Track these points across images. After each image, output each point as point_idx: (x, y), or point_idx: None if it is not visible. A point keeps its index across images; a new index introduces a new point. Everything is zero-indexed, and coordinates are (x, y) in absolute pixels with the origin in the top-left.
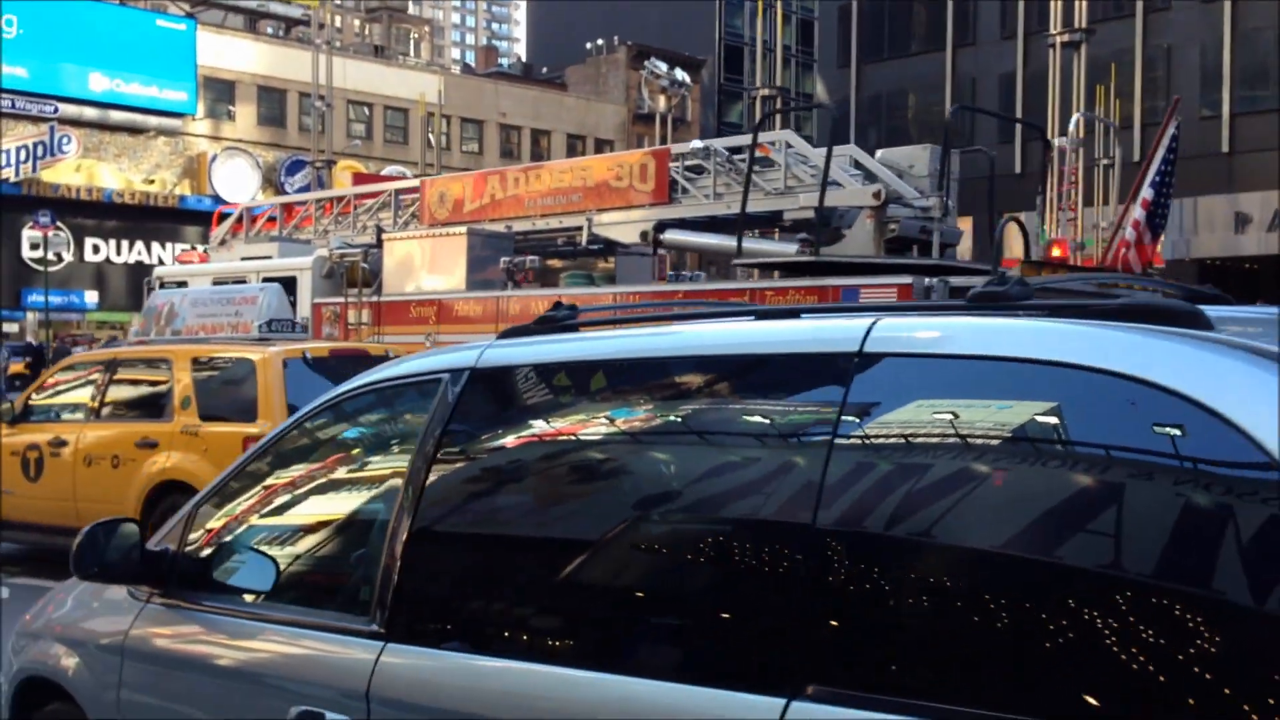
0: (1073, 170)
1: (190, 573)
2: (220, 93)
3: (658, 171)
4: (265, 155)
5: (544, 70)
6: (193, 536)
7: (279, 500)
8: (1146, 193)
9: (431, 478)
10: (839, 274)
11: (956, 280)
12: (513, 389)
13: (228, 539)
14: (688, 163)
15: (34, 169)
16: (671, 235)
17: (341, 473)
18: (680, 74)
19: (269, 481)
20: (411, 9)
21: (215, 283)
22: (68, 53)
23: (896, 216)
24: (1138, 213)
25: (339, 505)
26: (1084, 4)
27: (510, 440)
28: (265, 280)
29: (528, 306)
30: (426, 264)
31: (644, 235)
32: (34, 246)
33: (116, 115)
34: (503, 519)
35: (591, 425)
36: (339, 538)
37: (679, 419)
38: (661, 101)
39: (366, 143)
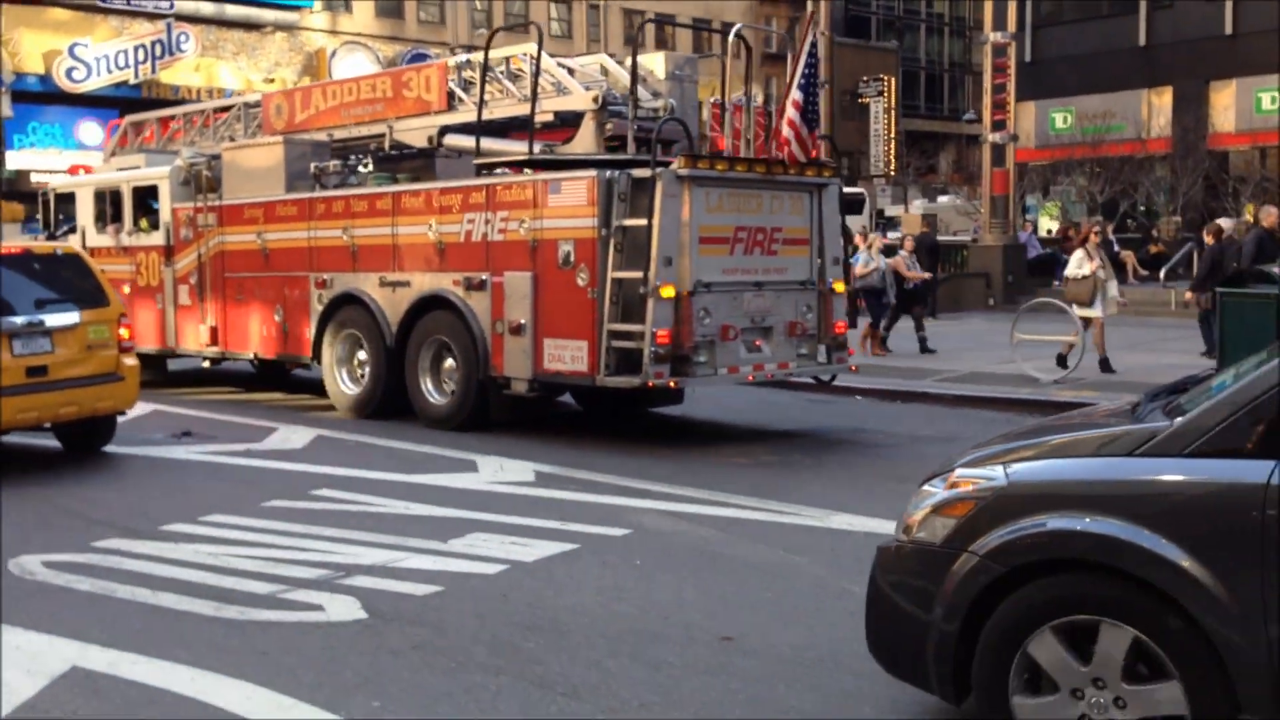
0: None
1: None
2: None
3: (439, 83)
4: (384, 49)
5: None
6: None
7: None
8: (796, 95)
9: None
10: (552, 170)
11: (639, 172)
12: None
13: None
14: (464, 74)
15: (153, 70)
16: (450, 139)
17: None
18: None
19: None
20: None
21: (96, 193)
22: None
23: (614, 118)
24: (791, 113)
25: None
26: None
27: None
28: (133, 189)
29: (331, 205)
30: (255, 170)
31: (430, 140)
32: None
33: (233, 10)
34: None
35: None
36: None
37: None
38: None
39: (486, 33)
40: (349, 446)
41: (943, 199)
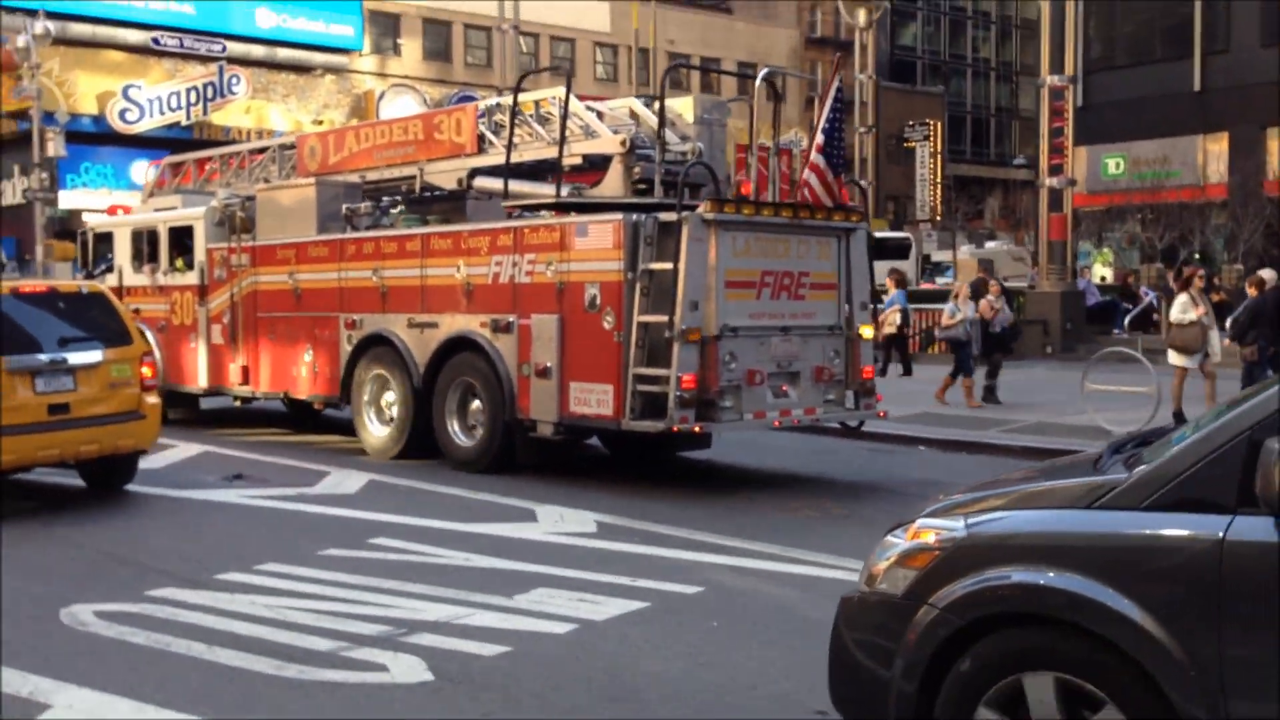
0: None
1: None
2: (386, 27)
3: (469, 126)
4: (432, 92)
5: None
6: None
7: None
8: (820, 138)
9: None
10: (581, 213)
11: (665, 216)
12: None
13: None
14: (494, 117)
15: (205, 111)
16: (480, 181)
17: None
18: None
19: None
20: None
21: (133, 233)
22: None
23: (641, 161)
24: (815, 157)
25: None
26: None
27: None
28: (169, 229)
29: (361, 246)
30: (288, 212)
31: (460, 181)
32: None
33: (283, 53)
34: None
35: None
36: None
37: None
38: (861, 16)
39: (533, 77)
40: (403, 492)
41: (991, 244)
